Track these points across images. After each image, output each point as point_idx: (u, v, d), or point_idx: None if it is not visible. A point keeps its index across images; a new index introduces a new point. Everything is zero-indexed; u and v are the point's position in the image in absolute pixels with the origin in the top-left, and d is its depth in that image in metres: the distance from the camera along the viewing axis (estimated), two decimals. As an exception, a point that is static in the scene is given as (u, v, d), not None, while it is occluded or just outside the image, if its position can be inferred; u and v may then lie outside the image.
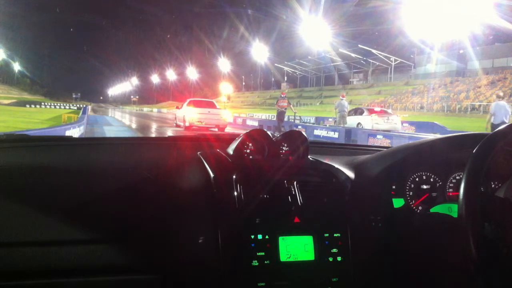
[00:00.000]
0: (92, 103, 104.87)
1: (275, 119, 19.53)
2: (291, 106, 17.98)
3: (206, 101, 18.94)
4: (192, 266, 1.11)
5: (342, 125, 17.08)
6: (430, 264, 1.10)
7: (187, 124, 16.60)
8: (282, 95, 17.70)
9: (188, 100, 18.10)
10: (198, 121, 16.36)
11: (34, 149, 1.54)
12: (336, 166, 1.34)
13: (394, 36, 44.21)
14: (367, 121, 17.63)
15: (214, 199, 1.16)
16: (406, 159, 1.29)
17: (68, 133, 9.67)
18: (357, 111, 19.32)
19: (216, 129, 16.56)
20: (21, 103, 60.04)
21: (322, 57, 60.80)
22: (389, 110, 21.73)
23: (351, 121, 18.37)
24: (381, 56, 55.17)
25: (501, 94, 11.94)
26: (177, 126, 18.53)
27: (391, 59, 55.07)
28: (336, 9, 42.15)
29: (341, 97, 18.42)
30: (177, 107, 19.69)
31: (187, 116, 16.66)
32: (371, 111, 18.54)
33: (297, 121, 24.91)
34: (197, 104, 17.58)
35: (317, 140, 13.66)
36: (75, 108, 54.11)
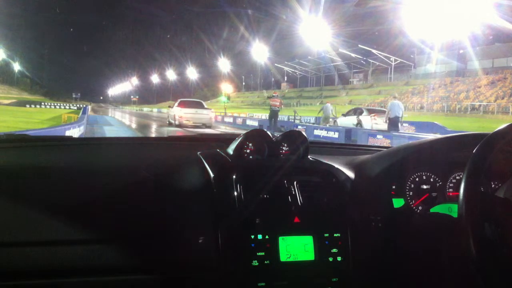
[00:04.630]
0: (92, 103, 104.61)
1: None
2: (282, 106, 18.96)
3: (194, 102, 20.65)
4: (192, 266, 1.11)
5: (322, 125, 18.32)
6: (430, 264, 1.10)
7: (177, 122, 18.54)
8: (274, 95, 18.64)
9: (179, 101, 19.88)
10: (186, 120, 18.35)
11: (34, 149, 1.54)
12: (336, 166, 1.34)
13: (394, 36, 44.16)
14: (367, 121, 18.03)
15: (214, 199, 1.16)
16: (406, 159, 1.29)
17: (68, 133, 9.67)
18: (357, 111, 19.70)
19: (203, 127, 18.49)
20: (21, 103, 59.94)
21: (322, 57, 60.78)
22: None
23: (351, 121, 18.77)
24: (381, 56, 55.17)
25: (396, 95, 15.84)
26: (170, 124, 20.12)
27: (391, 59, 55.06)
28: (336, 9, 42.12)
29: (327, 104, 20.15)
30: (169, 106, 21.74)
31: (177, 115, 18.63)
32: (370, 111, 18.91)
33: (297, 121, 24.99)
34: (187, 104, 19.36)
35: (317, 140, 13.65)
36: (75, 108, 54.06)
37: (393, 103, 14.35)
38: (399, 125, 14.36)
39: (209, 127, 18.82)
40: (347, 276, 1.12)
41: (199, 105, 19.78)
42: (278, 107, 17.87)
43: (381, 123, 17.09)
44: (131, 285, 1.10)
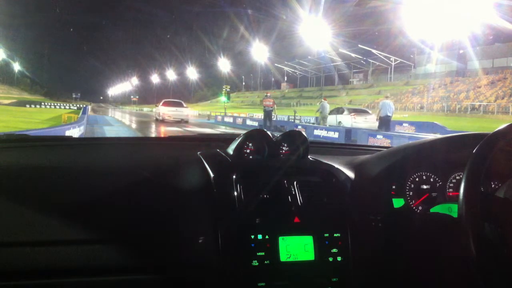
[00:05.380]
0: (92, 103, 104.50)
1: (274, 119, 21.48)
2: (275, 106, 20.16)
3: (175, 102, 25.33)
4: (192, 266, 1.11)
5: (322, 125, 18.48)
6: (430, 264, 1.10)
7: (161, 118, 23.37)
8: (267, 95, 20.05)
9: (163, 101, 24.62)
10: (168, 116, 23.05)
11: (34, 149, 1.54)
12: (336, 166, 1.34)
13: (394, 36, 44.21)
14: (347, 120, 19.65)
15: (214, 199, 1.16)
16: (406, 159, 1.29)
17: (68, 133, 9.67)
18: (339, 110, 21.33)
19: (183, 122, 23.29)
20: (21, 103, 59.91)
21: (322, 57, 60.82)
22: (369, 110, 23.23)
23: (333, 119, 20.35)
24: (381, 56, 55.18)
25: (388, 95, 16.60)
26: (156, 119, 24.68)
27: (391, 59, 55.08)
28: (336, 9, 42.12)
29: (323, 100, 20.23)
30: (156, 105, 26.37)
31: (161, 112, 23.55)
32: (350, 111, 20.66)
33: (297, 121, 25.12)
34: (169, 104, 24.19)
35: (317, 140, 13.66)
36: (75, 108, 54.00)
37: (384, 103, 15.02)
38: (389, 124, 15.34)
39: (186, 122, 23.53)
40: (347, 276, 1.12)
41: (179, 104, 24.48)
42: (271, 107, 18.89)
43: (360, 121, 19.13)
44: (131, 285, 1.10)
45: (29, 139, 1.64)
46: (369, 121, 19.23)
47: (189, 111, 25.97)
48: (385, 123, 15.01)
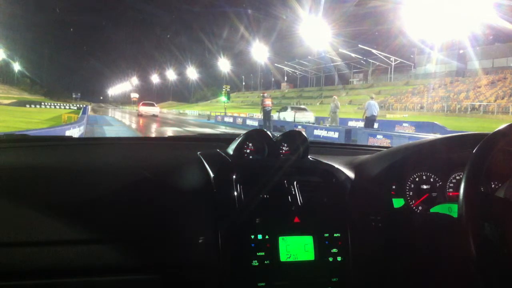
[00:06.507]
0: (92, 103, 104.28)
1: (273, 119, 22.41)
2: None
3: (149, 103, 38.96)
4: (192, 266, 1.11)
5: (333, 124, 18.84)
6: (430, 264, 1.10)
7: (139, 113, 35.90)
8: (266, 95, 20.87)
9: (141, 102, 39.34)
10: (145, 112, 35.62)
11: (34, 149, 1.54)
12: (336, 166, 1.34)
13: (394, 36, 44.22)
14: (290, 116, 24.58)
15: (214, 199, 1.16)
16: (406, 159, 1.29)
17: (68, 133, 9.68)
18: (284, 109, 26.89)
19: (154, 117, 33.92)
20: (21, 103, 59.76)
21: (322, 57, 60.84)
22: (307, 108, 29.45)
23: (282, 115, 25.05)
24: (381, 56, 55.18)
25: (373, 96, 17.26)
26: (138, 115, 36.05)
27: (391, 59, 55.07)
28: (336, 9, 42.14)
29: (335, 97, 20.43)
30: (138, 105, 42.44)
31: (139, 110, 37.01)
32: (292, 108, 26.61)
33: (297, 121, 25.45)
34: (145, 104, 37.98)
35: (317, 140, 13.66)
36: (75, 108, 53.87)
37: (370, 103, 15.69)
38: (374, 123, 16.25)
39: (156, 116, 35.18)
40: (347, 276, 1.12)
41: (152, 105, 38.06)
42: (270, 107, 19.62)
43: (299, 117, 23.83)
44: (131, 285, 1.09)
45: (29, 139, 1.64)
46: (307, 117, 24.91)
47: (158, 109, 39.25)
48: (371, 122, 15.78)
